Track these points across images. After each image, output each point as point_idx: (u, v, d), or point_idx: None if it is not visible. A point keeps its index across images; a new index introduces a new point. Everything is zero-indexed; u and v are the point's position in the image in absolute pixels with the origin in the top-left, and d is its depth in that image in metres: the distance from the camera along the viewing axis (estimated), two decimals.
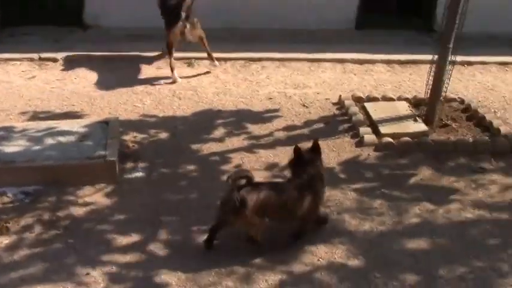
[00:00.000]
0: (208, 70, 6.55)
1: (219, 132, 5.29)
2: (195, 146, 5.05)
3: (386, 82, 6.46)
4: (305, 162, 3.93)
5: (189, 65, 6.66)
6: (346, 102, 5.75)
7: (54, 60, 6.62)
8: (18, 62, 6.56)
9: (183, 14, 6.12)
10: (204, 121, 5.49)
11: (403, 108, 5.66)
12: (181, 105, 5.79)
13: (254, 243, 3.84)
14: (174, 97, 5.94)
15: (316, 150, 4.03)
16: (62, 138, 4.88)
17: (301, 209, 3.84)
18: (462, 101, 5.96)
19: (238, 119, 5.52)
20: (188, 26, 6.20)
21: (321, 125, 5.49)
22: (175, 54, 6.32)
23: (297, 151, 3.96)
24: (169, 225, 4.10)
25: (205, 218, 4.02)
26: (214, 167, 4.77)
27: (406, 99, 5.86)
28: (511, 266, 3.84)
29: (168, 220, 4.16)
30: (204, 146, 5.06)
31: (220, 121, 5.48)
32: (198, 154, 4.96)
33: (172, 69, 6.26)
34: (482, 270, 3.81)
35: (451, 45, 5.13)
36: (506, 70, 7.05)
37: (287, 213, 3.84)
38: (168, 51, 6.31)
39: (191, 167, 4.77)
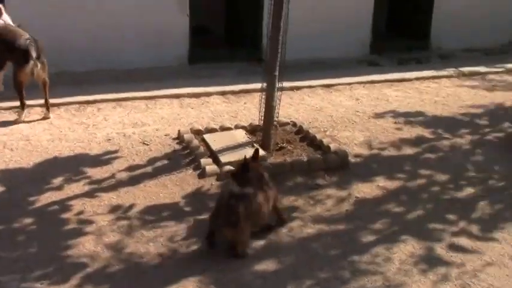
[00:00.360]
0: (41, 117, 6.32)
1: (57, 180, 5.09)
2: (32, 198, 4.81)
3: (223, 112, 6.67)
4: (248, 170, 4.34)
5: (19, 113, 6.37)
6: (186, 136, 5.84)
7: None
8: None
9: (34, 53, 6.02)
10: (40, 171, 5.26)
11: (241, 136, 5.87)
12: (13, 156, 5.51)
13: (244, 254, 4.16)
14: (5, 149, 5.64)
15: (255, 157, 4.51)
16: None
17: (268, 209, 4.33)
18: (295, 124, 6.32)
19: (77, 165, 5.36)
20: (39, 65, 6.11)
21: (164, 161, 5.51)
22: (5, 104, 6.05)
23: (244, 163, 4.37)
24: (9, 285, 3.85)
25: (49, 271, 3.83)
26: (54, 217, 4.58)
27: (243, 127, 6.09)
28: (351, 272, 4.10)
29: (8, 279, 3.90)
30: (42, 197, 4.84)
31: (57, 169, 5.29)
32: (36, 205, 4.73)
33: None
34: (327, 281, 4.02)
35: (276, 73, 5.44)
36: (331, 92, 7.62)
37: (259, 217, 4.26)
38: (18, 93, 6.19)
39: (29, 220, 4.53)
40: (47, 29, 6.78)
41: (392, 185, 5.25)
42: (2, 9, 6.52)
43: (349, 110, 6.98)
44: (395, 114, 6.89)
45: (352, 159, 5.63)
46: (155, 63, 7.80)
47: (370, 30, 9.28)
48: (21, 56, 6.09)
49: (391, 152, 5.90)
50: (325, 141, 5.83)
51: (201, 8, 8.78)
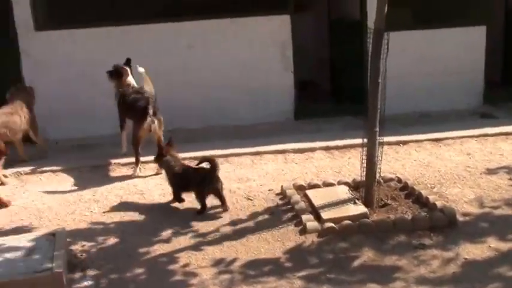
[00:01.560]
0: (154, 172, 6.71)
1: (166, 233, 5.37)
2: (142, 249, 5.11)
3: (327, 168, 6.73)
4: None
5: (134, 168, 6.81)
6: (289, 192, 5.95)
7: (4, 176, 6.73)
8: None
9: (151, 110, 6.50)
10: (151, 224, 5.58)
11: (343, 192, 5.87)
12: (129, 209, 5.88)
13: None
14: (121, 202, 6.04)
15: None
16: (8, 255, 4.87)
17: None
18: (399, 180, 6.22)
19: (185, 219, 5.61)
20: (156, 122, 6.60)
21: (266, 216, 5.64)
22: (123, 160, 6.49)
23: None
24: None
25: None
26: (162, 268, 4.82)
27: (346, 183, 6.09)
28: None
29: None
30: (151, 248, 5.11)
31: (166, 222, 5.58)
32: (146, 257, 5.01)
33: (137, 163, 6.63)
34: None
35: (377, 129, 5.44)
36: (440, 146, 7.44)
37: None
38: (134, 148, 6.64)
39: (139, 271, 4.80)
40: (161, 88, 7.24)
41: (506, 246, 4.96)
42: (128, 71, 7.07)
43: (459, 165, 6.76)
44: (510, 170, 6.58)
45: (460, 218, 5.43)
46: (262, 119, 8.05)
47: (483, 79, 8.96)
48: (140, 113, 6.55)
49: (504, 210, 5.61)
50: (432, 198, 5.68)
51: (306, 63, 9.02)
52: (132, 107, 6.70)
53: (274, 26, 8.20)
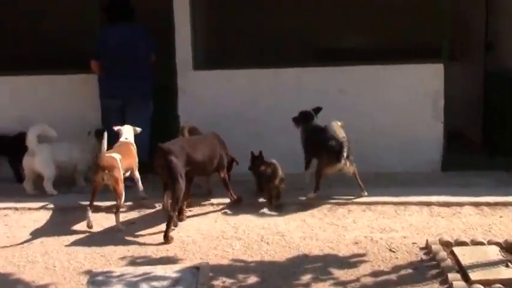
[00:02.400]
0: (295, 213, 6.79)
1: (305, 277, 5.35)
2: None
3: (476, 225, 6.37)
4: None
5: (277, 209, 6.94)
6: (434, 247, 5.70)
7: (152, 207, 7.14)
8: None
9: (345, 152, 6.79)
10: (291, 266, 5.60)
11: (494, 253, 5.51)
12: (269, 250, 5.96)
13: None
14: (262, 242, 6.14)
15: None
16: (156, 284, 5.14)
17: None
18: None
19: (325, 264, 5.57)
20: (348, 163, 6.91)
21: (409, 270, 5.43)
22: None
23: None
24: None
25: None
26: None
27: (497, 244, 5.71)
28: None
29: None
30: None
31: (306, 266, 5.57)
32: None
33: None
34: None
35: None
36: None
37: None
38: (317, 182, 6.96)
39: None
40: None
41: None
42: (314, 115, 7.37)
43: None
44: None
45: None
46: (407, 168, 7.84)
47: None
48: (333, 155, 6.81)
49: None
50: None
51: (457, 113, 8.70)
52: (324, 147, 6.91)
53: (427, 74, 8.04)
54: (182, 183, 6.34)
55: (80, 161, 7.93)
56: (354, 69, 8.12)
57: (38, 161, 7.54)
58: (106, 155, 6.72)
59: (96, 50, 7.80)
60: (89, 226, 6.53)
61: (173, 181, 6.29)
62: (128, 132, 7.28)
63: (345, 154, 6.79)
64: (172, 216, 6.28)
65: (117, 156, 6.72)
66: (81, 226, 6.68)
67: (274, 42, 8.96)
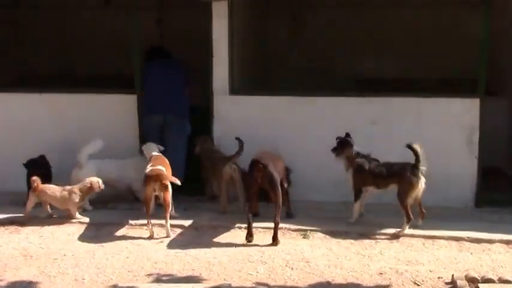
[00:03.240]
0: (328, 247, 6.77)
1: None
2: None
3: (505, 263, 6.25)
4: None
5: (304, 236, 6.97)
6: (459, 283, 5.63)
7: (182, 226, 7.27)
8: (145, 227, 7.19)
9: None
10: None
11: None
12: (292, 275, 5.99)
13: None
14: (286, 267, 6.18)
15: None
16: None
17: None
18: None
19: None
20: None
21: None
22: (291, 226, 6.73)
23: None
24: None
25: None
26: None
27: None
28: None
29: None
30: None
31: None
32: None
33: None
34: None
35: None
36: None
37: None
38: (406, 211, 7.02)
39: None
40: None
41: None
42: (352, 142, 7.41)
43: None
44: None
45: None
46: (439, 202, 7.74)
47: None
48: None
49: None
50: None
51: (494, 148, 8.57)
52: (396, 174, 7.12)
53: (462, 109, 7.99)
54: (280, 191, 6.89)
55: (135, 181, 7.94)
56: (387, 101, 8.16)
57: (83, 175, 7.76)
58: (154, 167, 7.14)
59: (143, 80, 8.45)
60: (151, 236, 7.00)
61: (275, 190, 6.83)
62: (155, 148, 7.74)
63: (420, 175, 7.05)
64: (278, 222, 6.80)
65: (162, 168, 7.17)
66: (111, 241, 6.89)
67: (315, 72, 9.14)
